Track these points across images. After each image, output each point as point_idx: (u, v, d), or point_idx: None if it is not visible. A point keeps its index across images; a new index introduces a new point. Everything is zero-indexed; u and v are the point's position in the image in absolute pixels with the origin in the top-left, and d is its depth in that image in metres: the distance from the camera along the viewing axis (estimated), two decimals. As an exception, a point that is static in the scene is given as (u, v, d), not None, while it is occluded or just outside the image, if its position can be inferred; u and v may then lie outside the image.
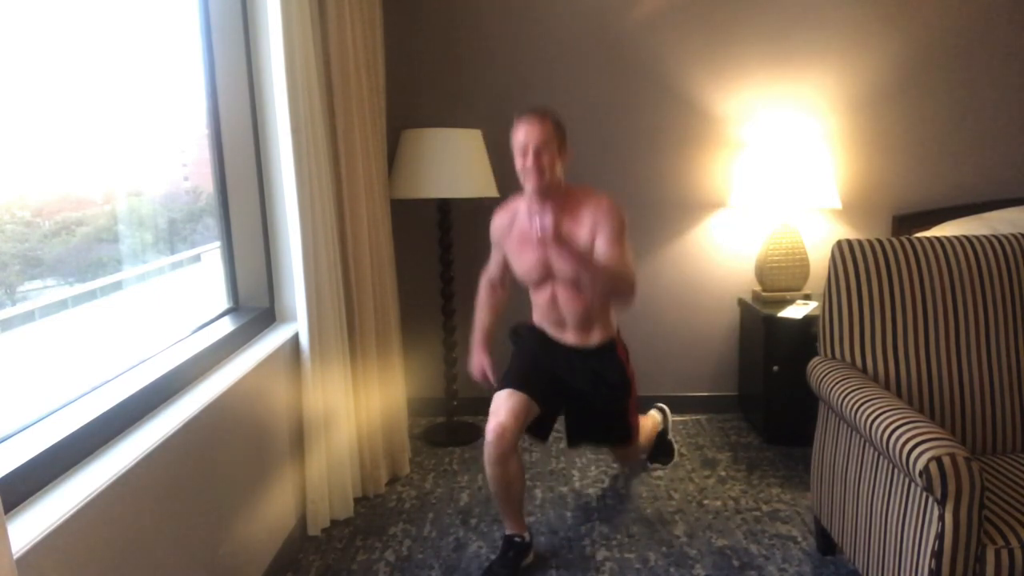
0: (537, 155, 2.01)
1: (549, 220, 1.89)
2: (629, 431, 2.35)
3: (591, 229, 2.06)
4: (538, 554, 2.26)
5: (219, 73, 2.19)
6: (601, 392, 2.24)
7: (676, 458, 2.85)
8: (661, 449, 2.78)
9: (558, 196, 2.10)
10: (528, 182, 2.05)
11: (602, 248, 2.04)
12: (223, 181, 2.24)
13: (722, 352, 3.37)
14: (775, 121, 3.18)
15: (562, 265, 2.10)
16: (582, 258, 1.85)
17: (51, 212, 1.75)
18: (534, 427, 2.23)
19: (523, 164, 2.04)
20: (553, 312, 2.23)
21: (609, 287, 1.96)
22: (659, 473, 2.78)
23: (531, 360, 2.26)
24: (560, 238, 1.84)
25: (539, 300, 2.25)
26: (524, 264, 2.18)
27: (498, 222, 2.27)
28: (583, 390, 2.25)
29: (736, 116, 3.19)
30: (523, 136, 2.03)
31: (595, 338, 2.23)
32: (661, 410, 2.86)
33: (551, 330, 2.28)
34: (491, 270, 2.39)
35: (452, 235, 3.06)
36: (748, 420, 3.26)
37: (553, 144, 2.03)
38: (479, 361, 2.36)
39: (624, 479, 2.73)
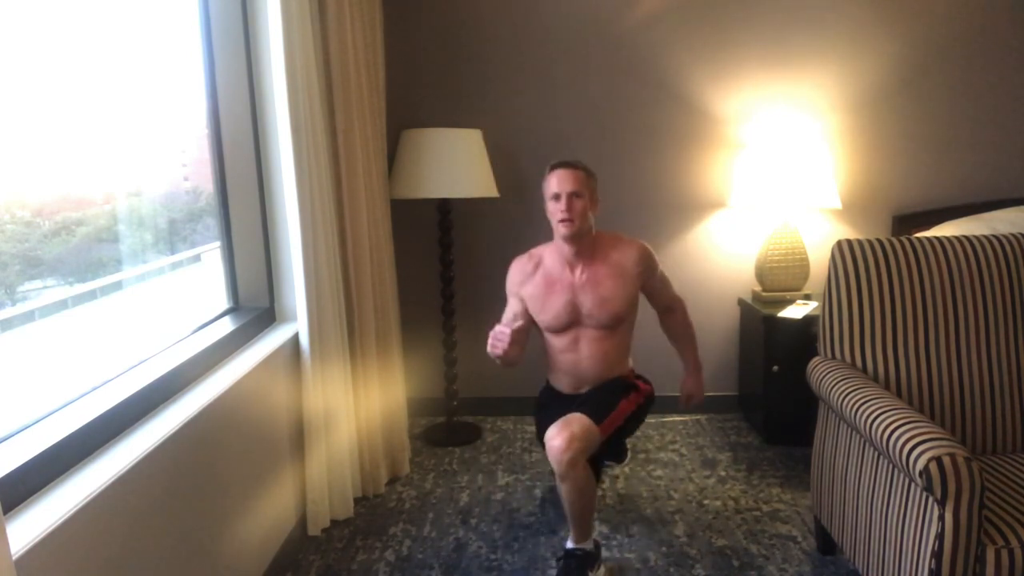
0: (570, 202, 2.07)
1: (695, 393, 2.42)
2: (606, 408, 2.11)
3: (632, 275, 2.18)
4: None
5: (219, 73, 2.19)
6: (607, 386, 2.24)
7: (628, 457, 2.85)
8: (613, 450, 2.71)
9: (589, 243, 2.16)
10: (561, 228, 2.10)
11: (659, 292, 2.34)
12: (223, 181, 2.24)
13: (722, 352, 3.37)
14: (775, 121, 3.18)
15: (592, 309, 2.16)
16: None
17: (51, 212, 1.75)
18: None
19: (556, 211, 2.09)
20: (573, 355, 2.24)
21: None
22: (659, 473, 2.78)
23: (562, 411, 2.11)
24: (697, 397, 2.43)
25: (560, 345, 2.26)
26: (551, 309, 2.20)
27: (519, 269, 2.28)
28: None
29: (736, 116, 3.19)
30: (556, 184, 2.09)
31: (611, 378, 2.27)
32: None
33: (569, 387, 2.30)
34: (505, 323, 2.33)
35: (452, 235, 3.06)
36: (748, 420, 3.26)
37: (585, 192, 2.10)
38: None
39: (624, 479, 2.73)
